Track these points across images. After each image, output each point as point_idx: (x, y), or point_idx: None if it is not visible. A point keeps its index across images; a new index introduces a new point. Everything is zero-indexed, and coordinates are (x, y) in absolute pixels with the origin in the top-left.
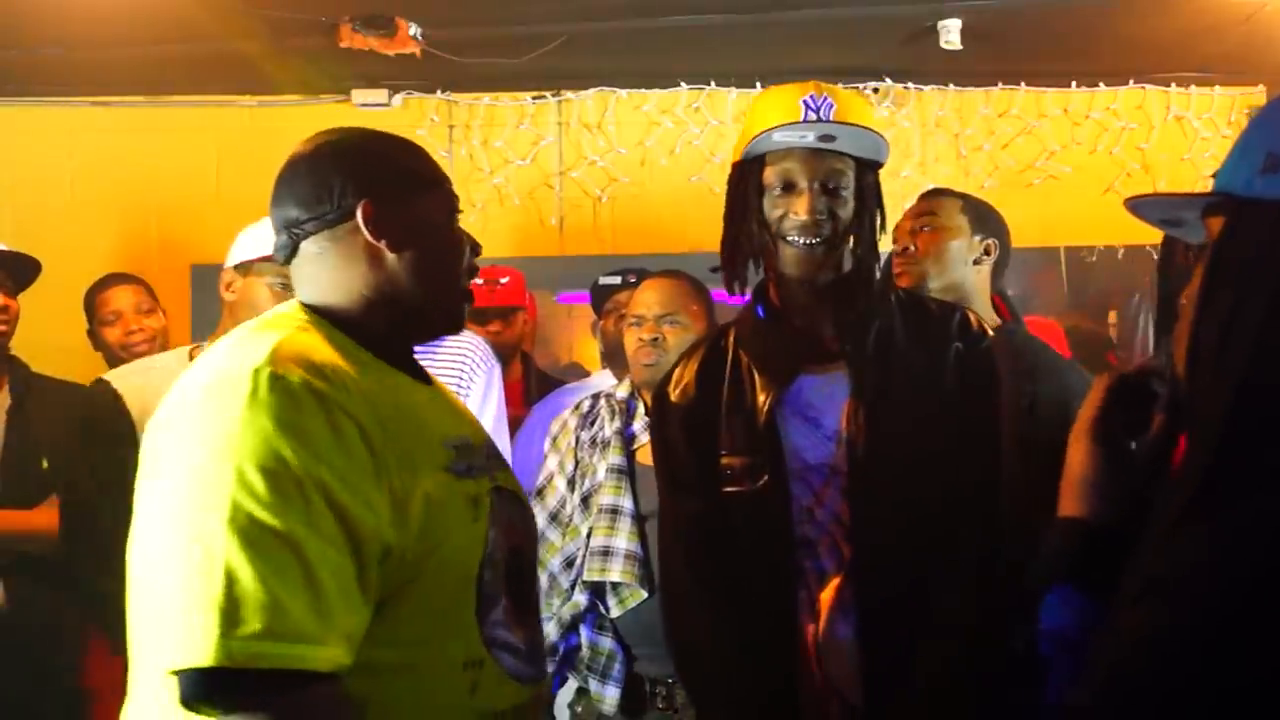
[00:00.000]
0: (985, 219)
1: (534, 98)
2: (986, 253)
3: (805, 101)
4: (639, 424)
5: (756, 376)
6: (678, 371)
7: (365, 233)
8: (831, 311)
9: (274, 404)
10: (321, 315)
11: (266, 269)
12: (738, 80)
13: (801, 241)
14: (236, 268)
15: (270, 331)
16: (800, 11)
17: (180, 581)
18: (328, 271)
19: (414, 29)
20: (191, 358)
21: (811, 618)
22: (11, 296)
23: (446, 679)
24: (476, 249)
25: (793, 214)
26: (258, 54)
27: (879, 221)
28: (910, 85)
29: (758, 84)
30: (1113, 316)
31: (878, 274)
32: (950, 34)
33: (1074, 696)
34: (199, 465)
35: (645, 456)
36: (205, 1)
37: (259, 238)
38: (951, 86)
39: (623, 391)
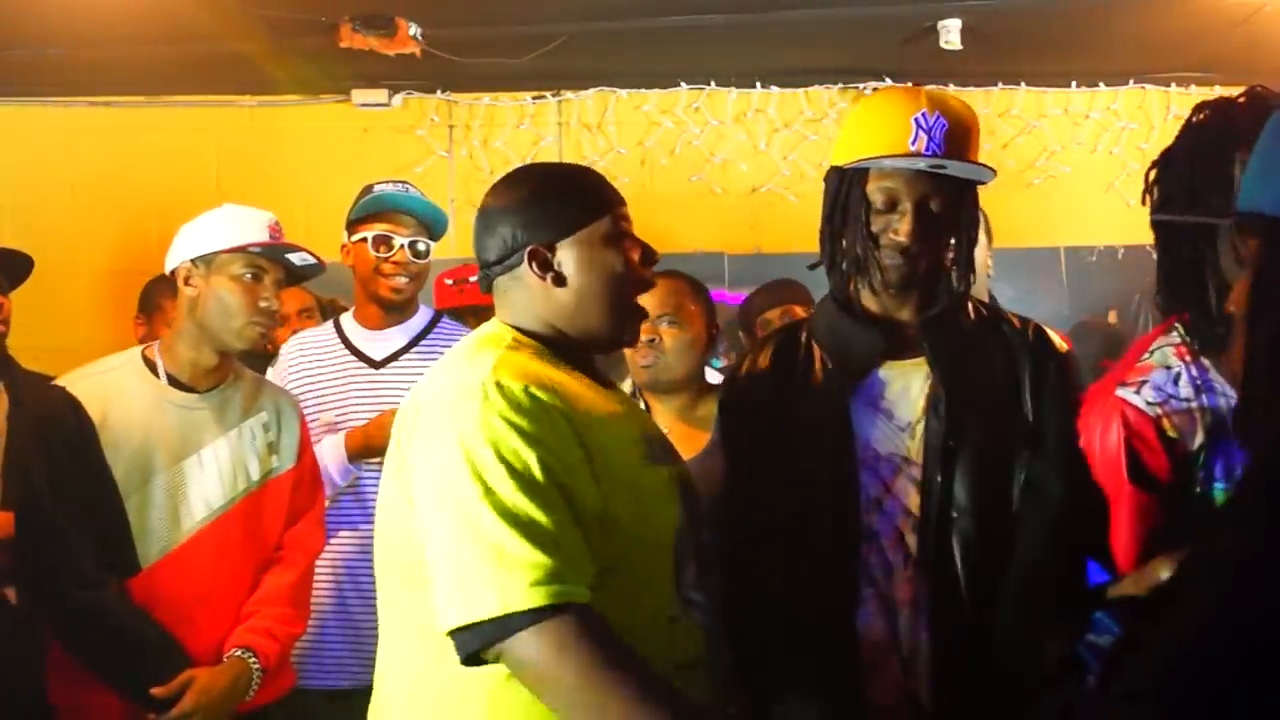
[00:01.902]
0: (989, 233)
1: (534, 98)
2: (989, 266)
3: (917, 120)
4: None
5: (830, 367)
6: (750, 359)
7: (533, 274)
8: (909, 308)
9: (506, 406)
10: (523, 333)
11: (234, 260)
12: (738, 80)
13: (896, 262)
14: (196, 261)
15: (489, 350)
16: (800, 11)
17: (453, 554)
18: (516, 303)
19: (414, 29)
20: (145, 358)
21: (881, 612)
22: (4, 294)
23: (652, 633)
24: (650, 258)
25: (893, 234)
26: (258, 54)
27: (975, 236)
28: (910, 85)
29: (757, 84)
30: (1113, 316)
31: (964, 282)
32: (950, 34)
33: (1129, 679)
34: (455, 459)
35: None
36: (205, 1)
37: (221, 228)
38: (951, 86)
39: (624, 390)
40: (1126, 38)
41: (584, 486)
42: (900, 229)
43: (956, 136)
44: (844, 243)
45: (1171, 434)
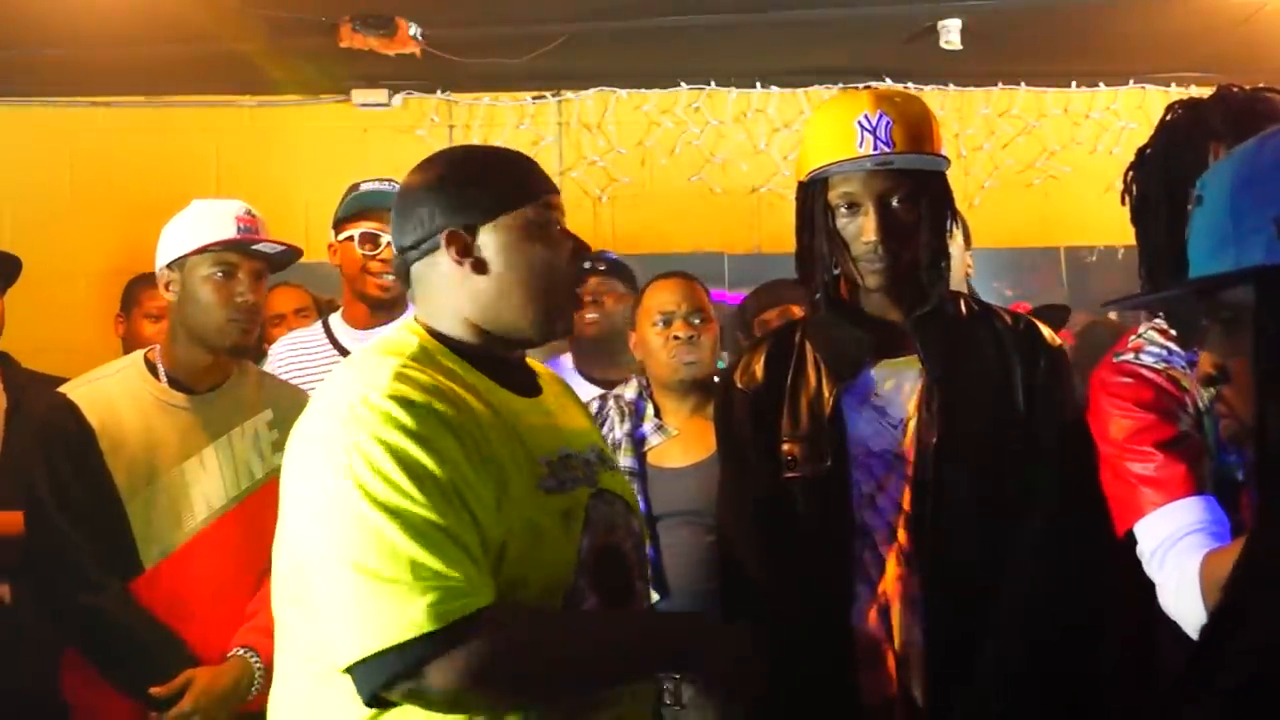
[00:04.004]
0: (968, 234)
1: (534, 98)
2: (969, 265)
3: (860, 123)
4: (648, 425)
5: (823, 366)
6: (744, 360)
7: (451, 259)
8: (901, 306)
9: (391, 425)
10: (434, 333)
11: (203, 260)
12: (738, 80)
13: (869, 260)
14: (171, 265)
15: (384, 362)
16: (800, 11)
17: (344, 584)
18: (431, 294)
19: (414, 29)
20: (147, 361)
21: (875, 608)
22: None
23: None
24: (581, 252)
25: (860, 237)
26: (258, 54)
27: (946, 225)
28: (910, 85)
29: (757, 84)
30: (1113, 316)
31: (945, 274)
32: (950, 34)
33: (1213, 683)
34: (331, 485)
35: (656, 458)
36: (205, 1)
37: (187, 230)
38: (951, 86)
39: (630, 393)
40: (1126, 38)
41: (478, 504)
42: (866, 229)
43: (906, 131)
44: (815, 253)
45: (1185, 384)
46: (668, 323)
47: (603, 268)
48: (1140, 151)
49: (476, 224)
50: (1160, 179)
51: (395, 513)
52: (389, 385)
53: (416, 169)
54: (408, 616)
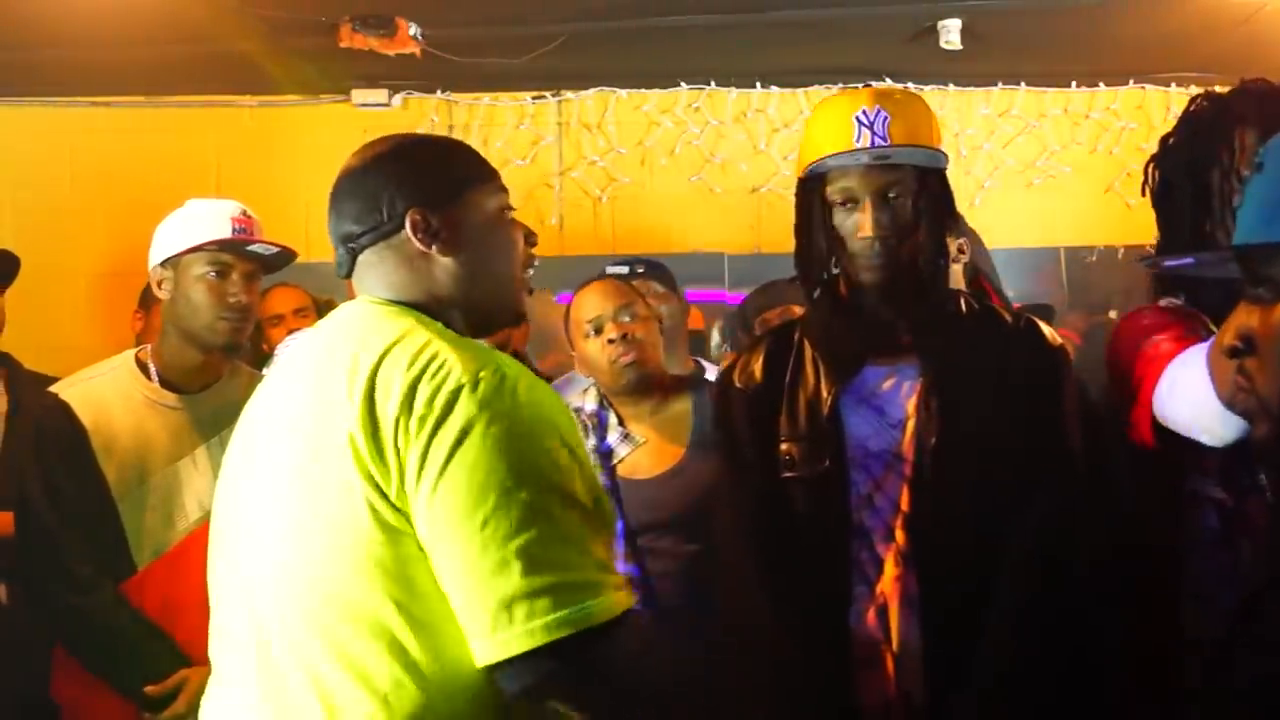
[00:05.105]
0: (957, 221)
1: (534, 98)
2: (961, 250)
3: (858, 118)
4: (614, 436)
5: (822, 366)
6: (743, 359)
7: (415, 240)
8: (899, 305)
9: (536, 400)
10: (409, 308)
11: (197, 259)
12: (738, 80)
13: (866, 256)
14: (164, 264)
15: (453, 340)
16: (800, 11)
17: (507, 568)
18: (389, 275)
19: (414, 29)
20: (138, 361)
21: (873, 608)
22: None
23: None
24: (531, 239)
25: (857, 233)
26: (258, 54)
27: (944, 222)
28: (910, 85)
29: (757, 84)
30: (1113, 315)
31: (943, 272)
32: (950, 34)
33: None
34: (495, 463)
35: (626, 470)
36: (205, 1)
37: (182, 229)
38: (951, 86)
39: (590, 404)
40: (1126, 38)
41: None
42: (863, 224)
43: (903, 127)
44: (813, 250)
45: (1211, 327)
46: (598, 329)
47: (641, 270)
48: (1164, 140)
49: (440, 205)
50: (1185, 167)
51: (569, 497)
52: (506, 360)
53: (362, 152)
54: (595, 604)
